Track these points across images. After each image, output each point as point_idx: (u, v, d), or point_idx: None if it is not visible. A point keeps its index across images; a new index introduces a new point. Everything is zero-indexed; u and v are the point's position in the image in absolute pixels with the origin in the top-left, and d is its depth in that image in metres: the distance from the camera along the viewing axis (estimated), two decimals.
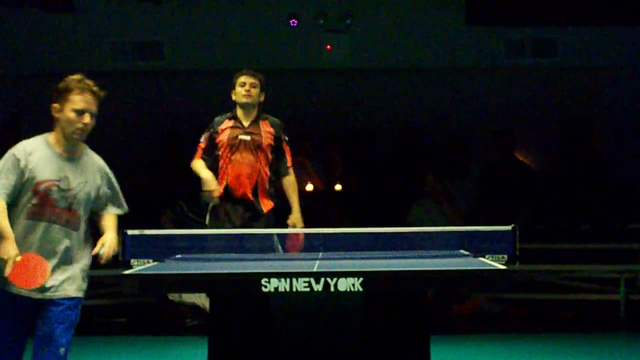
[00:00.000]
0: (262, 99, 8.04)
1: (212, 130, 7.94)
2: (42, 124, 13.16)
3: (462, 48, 12.66)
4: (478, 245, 7.09)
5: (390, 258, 6.70)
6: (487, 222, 8.45)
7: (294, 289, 5.40)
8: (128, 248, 6.66)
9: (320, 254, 6.95)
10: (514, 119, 12.89)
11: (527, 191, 12.22)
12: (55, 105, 5.90)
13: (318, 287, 5.41)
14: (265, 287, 5.43)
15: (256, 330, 5.83)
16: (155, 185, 12.22)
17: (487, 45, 12.67)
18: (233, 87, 8.01)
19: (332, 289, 5.41)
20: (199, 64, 12.82)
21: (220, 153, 7.89)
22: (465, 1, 12.31)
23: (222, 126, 7.93)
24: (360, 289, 5.39)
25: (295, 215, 7.87)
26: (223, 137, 7.88)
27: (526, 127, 13.00)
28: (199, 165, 7.85)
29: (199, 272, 5.79)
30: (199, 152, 7.93)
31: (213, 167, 7.90)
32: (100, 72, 12.85)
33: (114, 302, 11.52)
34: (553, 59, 12.69)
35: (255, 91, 7.97)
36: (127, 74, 12.94)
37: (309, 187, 12.17)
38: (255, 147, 7.86)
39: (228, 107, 12.86)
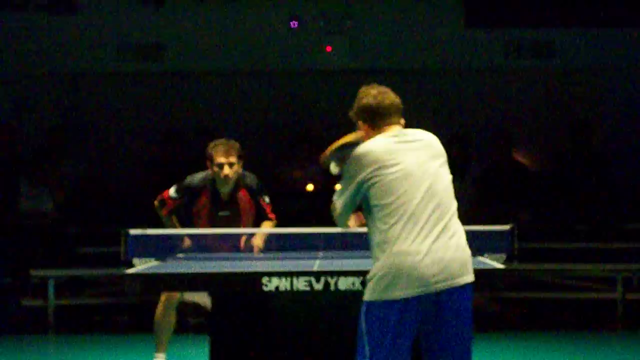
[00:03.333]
0: (240, 169, 7.55)
1: (185, 197, 7.52)
2: (45, 124, 13.28)
3: (461, 50, 12.65)
4: (477, 244, 7.13)
5: None
6: (486, 221, 8.50)
7: (295, 288, 5.44)
8: (130, 247, 6.73)
9: (321, 254, 6.96)
10: (512, 120, 12.89)
11: (525, 191, 12.21)
12: None
13: (318, 287, 5.47)
14: (266, 286, 5.48)
15: (257, 328, 5.86)
16: (156, 185, 12.22)
17: (486, 47, 12.65)
18: (209, 159, 7.48)
19: (332, 288, 5.46)
20: (200, 66, 12.77)
21: (196, 222, 7.55)
22: (464, 4, 12.34)
23: (200, 199, 7.53)
24: (361, 288, 5.38)
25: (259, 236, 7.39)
26: (201, 212, 7.53)
27: (524, 129, 12.99)
28: (172, 222, 7.55)
29: (200, 271, 5.87)
30: (168, 206, 7.53)
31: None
32: (102, 74, 13.06)
33: (116, 300, 11.52)
34: (551, 61, 12.66)
35: (233, 169, 7.45)
36: (128, 75, 12.92)
37: (309, 187, 12.18)
38: (236, 220, 7.53)
39: (228, 108, 12.95)
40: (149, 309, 11.35)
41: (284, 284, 5.50)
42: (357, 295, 5.42)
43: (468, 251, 4.93)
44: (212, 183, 7.50)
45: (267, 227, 7.48)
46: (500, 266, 5.86)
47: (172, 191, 7.53)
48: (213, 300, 6.00)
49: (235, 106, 13.03)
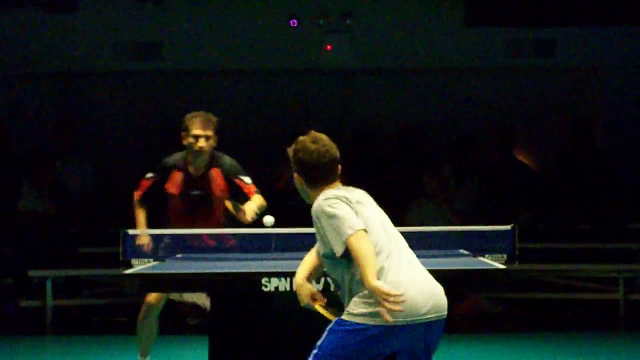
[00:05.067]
0: (215, 143, 7.47)
1: (159, 175, 7.48)
2: (42, 124, 13.26)
3: (462, 49, 12.66)
4: (478, 245, 7.11)
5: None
6: (487, 222, 8.48)
7: (295, 289, 5.34)
8: (129, 248, 6.70)
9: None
10: (513, 119, 12.91)
11: (527, 191, 12.23)
12: None
13: (318, 287, 5.42)
14: (266, 286, 5.51)
15: (257, 329, 5.84)
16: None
17: (487, 46, 12.67)
18: (185, 130, 7.40)
19: (332, 288, 5.41)
20: (199, 64, 12.78)
21: (171, 204, 7.50)
22: (465, 3, 12.32)
23: (172, 179, 7.45)
24: None
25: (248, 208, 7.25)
26: (173, 190, 7.45)
27: (525, 127, 13.01)
28: (140, 217, 7.45)
29: (200, 271, 5.87)
30: (143, 187, 7.49)
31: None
32: (100, 73, 13.06)
33: (114, 301, 11.51)
34: (552, 59, 12.68)
35: (209, 143, 7.36)
36: (127, 74, 12.92)
37: None
38: (208, 200, 7.44)
39: (228, 107, 12.95)
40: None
41: (283, 284, 5.51)
42: None
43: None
44: (185, 160, 7.43)
45: (253, 204, 7.27)
46: (502, 267, 5.87)
47: (148, 174, 7.50)
48: (212, 301, 5.99)
49: (234, 105, 13.02)
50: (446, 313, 4.94)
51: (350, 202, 4.98)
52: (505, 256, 6.51)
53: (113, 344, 10.38)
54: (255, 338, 5.83)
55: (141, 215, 7.43)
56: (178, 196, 7.42)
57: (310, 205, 5.12)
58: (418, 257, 6.73)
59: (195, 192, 7.42)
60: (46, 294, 11.05)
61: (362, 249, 4.80)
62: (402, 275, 4.88)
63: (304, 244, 7.32)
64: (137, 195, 7.49)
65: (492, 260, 6.37)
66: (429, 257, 6.59)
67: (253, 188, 7.43)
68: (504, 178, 12.17)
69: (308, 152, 5.15)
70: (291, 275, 5.43)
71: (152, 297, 7.38)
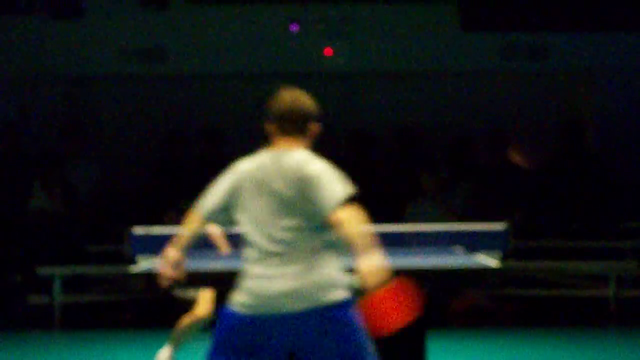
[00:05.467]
0: None
1: None
2: (49, 127, 13.32)
3: (457, 53, 12.71)
4: (472, 242, 7.21)
5: (387, 256, 6.83)
6: (481, 220, 8.61)
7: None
8: (134, 246, 6.82)
9: None
10: (507, 121, 12.93)
11: (520, 191, 12.27)
12: None
13: None
14: None
15: None
16: (159, 186, 12.29)
17: (482, 50, 12.71)
18: None
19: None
20: (203, 68, 12.81)
21: None
22: (461, 8, 12.35)
23: None
24: (359, 287, 5.12)
25: None
26: None
27: (519, 130, 13.03)
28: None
29: (204, 268, 5.93)
30: None
31: None
32: (105, 76, 13.09)
33: (121, 298, 11.57)
34: (546, 64, 12.74)
35: None
36: (131, 78, 12.95)
37: None
38: None
39: (230, 111, 12.95)
40: (153, 306, 11.51)
41: None
42: (357, 293, 5.41)
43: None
44: None
45: None
46: (495, 264, 5.89)
47: None
48: (216, 297, 6.21)
49: (236, 109, 13.02)
50: (314, 305, 4.66)
51: None
52: (498, 254, 6.58)
53: (120, 339, 10.47)
54: None
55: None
56: None
57: None
58: (415, 254, 6.80)
59: None
60: (54, 290, 11.07)
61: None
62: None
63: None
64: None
65: (485, 257, 6.37)
66: (425, 254, 6.83)
67: None
68: (498, 178, 12.20)
69: (281, 100, 5.06)
70: None
71: (202, 311, 7.63)
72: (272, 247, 4.74)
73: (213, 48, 12.72)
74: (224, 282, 5.61)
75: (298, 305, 4.67)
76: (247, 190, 4.83)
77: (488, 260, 6.16)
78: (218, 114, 13.01)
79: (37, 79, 12.97)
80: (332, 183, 4.76)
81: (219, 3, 12.64)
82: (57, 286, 11.12)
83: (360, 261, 4.56)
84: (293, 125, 4.92)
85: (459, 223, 9.05)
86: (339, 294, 4.72)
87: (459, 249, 7.19)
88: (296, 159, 4.83)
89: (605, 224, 12.09)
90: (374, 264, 4.59)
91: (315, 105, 5.02)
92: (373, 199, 11.91)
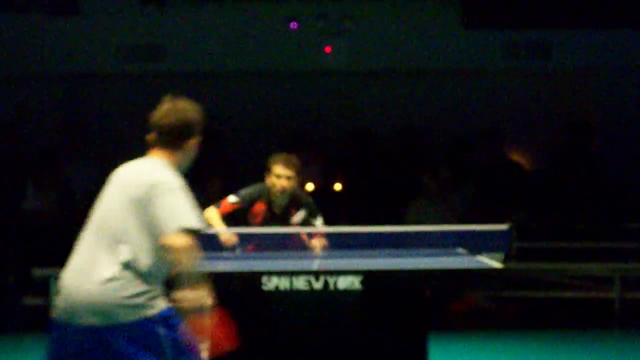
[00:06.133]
0: (296, 183, 7.72)
1: (243, 204, 7.65)
2: (47, 126, 13.23)
3: (459, 51, 12.67)
4: (474, 243, 7.15)
5: (388, 257, 6.77)
6: (484, 221, 8.54)
7: (294, 288, 5.51)
8: None
9: (320, 253, 7.01)
10: (510, 120, 12.91)
11: (522, 191, 12.25)
12: None
13: (318, 286, 5.52)
14: (266, 285, 5.56)
15: (257, 327, 5.83)
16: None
17: (484, 48, 12.68)
18: (268, 170, 7.64)
19: (331, 287, 5.51)
20: (201, 67, 12.80)
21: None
22: (463, 5, 12.31)
23: (255, 208, 7.66)
24: (360, 287, 5.51)
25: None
26: (254, 222, 7.66)
27: (522, 129, 13.02)
28: (216, 219, 7.61)
29: (199, 270, 5.88)
30: (224, 209, 7.65)
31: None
32: (103, 75, 13.05)
33: None
34: (548, 61, 12.70)
35: (290, 183, 7.56)
36: (129, 76, 12.94)
37: (310, 186, 12.21)
38: None
39: (229, 109, 12.94)
40: None
41: (283, 283, 5.54)
42: (356, 294, 5.58)
43: None
44: (268, 195, 7.62)
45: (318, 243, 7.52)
46: (498, 265, 5.88)
47: (231, 197, 7.66)
48: (212, 299, 5.97)
49: (235, 107, 13.03)
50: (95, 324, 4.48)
51: None
52: (501, 255, 6.52)
53: None
54: (255, 336, 5.81)
55: (219, 224, 7.58)
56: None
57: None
58: (416, 255, 6.77)
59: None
60: (50, 292, 10.88)
61: None
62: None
63: (305, 243, 7.41)
64: (219, 212, 7.63)
65: (488, 259, 6.37)
66: (427, 255, 6.83)
67: (320, 235, 7.61)
68: (498, 178, 12.17)
69: (160, 111, 4.92)
70: (291, 273, 5.50)
71: None
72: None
73: (212, 46, 12.71)
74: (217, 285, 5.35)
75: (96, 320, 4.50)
76: (102, 196, 4.77)
77: (490, 262, 6.15)
78: (217, 112, 12.98)
79: (34, 78, 12.93)
80: (177, 205, 4.56)
81: (218, 0, 12.61)
82: (53, 288, 10.95)
83: (182, 292, 4.38)
84: (168, 138, 4.78)
85: (461, 224, 9.06)
86: (137, 314, 4.51)
87: (460, 250, 7.15)
88: (146, 169, 4.72)
89: (610, 225, 12.04)
90: (193, 297, 4.38)
91: (199, 119, 4.88)
92: (373, 198, 11.93)
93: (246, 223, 7.62)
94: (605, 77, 12.88)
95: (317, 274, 5.55)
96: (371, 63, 12.77)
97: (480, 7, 12.31)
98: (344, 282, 5.54)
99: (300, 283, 5.54)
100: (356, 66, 12.73)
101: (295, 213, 7.63)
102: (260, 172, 7.99)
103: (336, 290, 5.53)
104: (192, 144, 4.81)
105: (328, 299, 5.75)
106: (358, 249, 7.06)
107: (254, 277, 5.61)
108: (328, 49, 12.53)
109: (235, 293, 5.77)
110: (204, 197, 11.52)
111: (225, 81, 13.18)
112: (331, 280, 5.53)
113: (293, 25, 12.47)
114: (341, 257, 6.73)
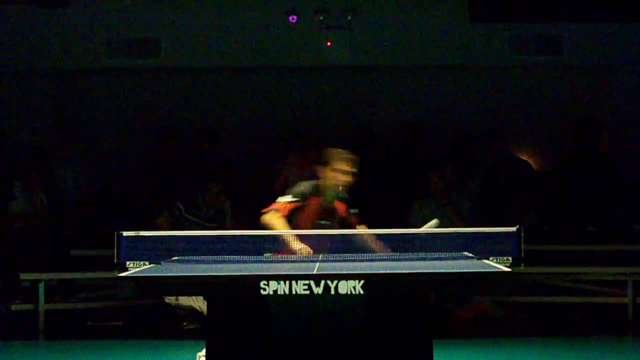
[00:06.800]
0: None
1: (300, 202, 7.89)
2: (35, 123, 13.22)
3: (465, 45, 12.67)
4: (482, 247, 7.03)
5: (391, 260, 6.75)
6: (491, 223, 8.35)
7: (294, 292, 5.41)
8: (124, 250, 6.62)
9: (321, 256, 6.99)
10: (518, 117, 12.94)
11: (531, 191, 12.22)
12: None
13: (318, 290, 5.41)
14: (264, 289, 5.43)
15: (255, 333, 5.79)
16: (151, 185, 12.21)
17: (491, 42, 12.69)
18: (326, 163, 7.90)
19: (332, 291, 5.40)
20: (196, 61, 12.80)
21: (299, 228, 7.98)
22: None
23: (308, 203, 7.92)
24: (362, 292, 5.40)
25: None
26: (305, 217, 7.90)
27: (530, 126, 13.04)
28: (283, 225, 7.78)
29: (196, 274, 5.80)
30: (284, 211, 7.84)
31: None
32: (94, 69, 13.02)
33: (109, 305, 11.55)
34: (558, 56, 12.70)
35: (352, 179, 7.98)
36: (122, 71, 12.91)
37: None
38: (333, 229, 7.97)
39: (226, 104, 12.92)
40: (142, 313, 11.41)
41: (282, 287, 5.45)
42: (358, 299, 5.50)
43: None
44: (320, 189, 7.94)
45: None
46: (507, 269, 5.74)
47: (287, 197, 7.90)
48: (209, 304, 5.93)
49: (232, 102, 13.06)
50: None
51: None
52: (510, 258, 6.44)
53: (107, 348, 10.34)
54: (254, 342, 5.78)
55: (284, 227, 7.73)
56: (307, 224, 7.91)
57: None
58: (421, 259, 6.73)
59: (323, 222, 7.96)
60: (38, 297, 11.04)
61: None
62: None
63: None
64: (280, 215, 7.80)
65: (496, 262, 6.30)
66: (432, 259, 6.77)
67: (356, 219, 8.10)
68: (505, 177, 12.21)
69: None
70: (291, 278, 5.42)
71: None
72: None
73: (208, 40, 12.72)
74: (215, 290, 5.58)
75: None
76: None
77: (498, 266, 6.09)
78: (213, 109, 13.02)
79: (22, 73, 12.90)
80: None
81: None
82: (41, 293, 11.10)
83: None
84: None
85: (467, 226, 8.97)
86: None
87: (467, 253, 7.05)
88: None
89: (622, 227, 12.00)
90: None
91: None
92: (375, 199, 11.85)
93: (292, 218, 7.90)
94: (619, 74, 12.89)
95: (317, 278, 5.43)
96: (373, 58, 12.79)
97: (488, 0, 12.21)
98: (346, 286, 5.43)
99: (300, 287, 5.44)
100: (357, 61, 12.72)
101: (341, 207, 8.00)
102: (259, 170, 7.89)
103: (337, 294, 5.42)
104: None
105: (329, 304, 5.70)
106: (359, 252, 7.06)
107: (252, 281, 5.47)
108: (329, 43, 12.48)
109: (233, 297, 5.74)
110: (204, 197, 11.44)
111: (222, 77, 13.17)
112: (332, 284, 5.42)
113: (292, 18, 12.43)
114: (342, 260, 6.70)
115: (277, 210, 7.78)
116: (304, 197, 7.85)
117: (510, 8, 12.09)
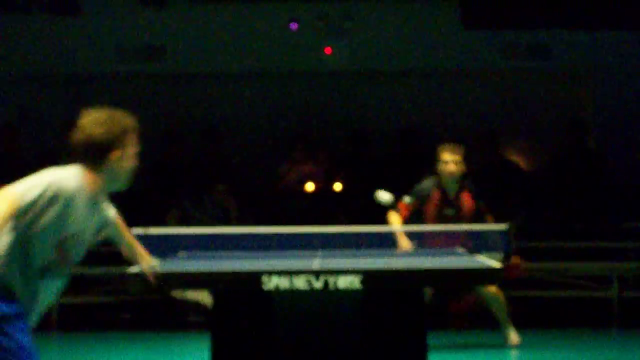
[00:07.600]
0: (464, 168, 8.59)
1: (418, 201, 8.46)
2: (47, 126, 13.17)
3: (458, 51, 12.67)
4: (474, 243, 7.18)
5: (388, 256, 6.77)
6: (484, 221, 8.57)
7: (294, 287, 5.46)
8: None
9: (320, 252, 6.97)
10: (509, 120, 12.93)
11: (520, 190, 12.24)
12: None
13: (318, 285, 5.48)
14: (266, 285, 5.50)
15: (257, 326, 5.84)
16: (159, 185, 12.24)
17: (483, 48, 12.69)
18: (438, 159, 8.52)
19: (331, 286, 5.48)
20: (201, 67, 12.78)
21: (424, 220, 8.46)
22: (461, 6, 12.29)
23: (431, 197, 8.48)
24: (360, 287, 5.46)
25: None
26: (430, 209, 8.47)
27: (521, 129, 13.05)
28: (397, 224, 8.30)
29: (201, 270, 5.88)
30: (403, 213, 8.42)
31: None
32: (103, 75, 13.01)
33: (119, 299, 11.54)
34: (547, 62, 12.71)
35: (457, 167, 8.47)
36: (130, 76, 12.90)
37: (309, 187, 12.20)
38: (459, 219, 8.43)
39: (229, 110, 12.93)
40: (151, 307, 11.38)
41: (283, 282, 5.51)
42: (356, 294, 5.57)
43: None
44: (439, 184, 8.47)
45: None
46: (497, 265, 5.83)
47: (406, 199, 8.43)
48: (213, 298, 5.98)
49: (236, 108, 13.03)
50: None
51: None
52: (500, 254, 6.58)
53: (118, 340, 10.42)
54: (256, 335, 5.83)
55: (398, 228, 8.18)
56: (432, 215, 8.45)
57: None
58: (416, 255, 6.78)
59: (448, 212, 8.48)
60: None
61: None
62: None
63: (304, 242, 7.43)
64: (400, 217, 8.37)
65: (487, 258, 6.33)
66: (427, 255, 6.85)
67: (487, 208, 8.57)
68: (495, 178, 12.12)
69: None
70: (291, 273, 5.48)
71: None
72: None
73: (212, 47, 12.68)
74: (219, 284, 5.64)
75: None
76: None
77: (489, 261, 6.11)
78: (217, 113, 12.98)
79: (34, 78, 12.91)
80: None
81: (218, 1, 12.58)
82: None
83: None
84: (84, 156, 4.72)
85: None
86: None
87: (459, 249, 7.15)
88: None
89: (608, 224, 12.03)
90: None
91: (112, 132, 4.81)
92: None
93: (421, 212, 8.39)
94: (604, 77, 12.90)
95: (317, 273, 5.51)
96: (371, 64, 12.78)
97: (480, 8, 12.33)
98: (345, 282, 5.50)
99: (300, 282, 5.49)
100: (357, 67, 12.72)
101: (468, 197, 8.47)
102: (262, 171, 7.99)
103: (336, 289, 5.49)
104: (114, 157, 4.77)
105: (328, 298, 5.75)
106: (358, 248, 7.05)
107: (254, 277, 5.54)
108: (328, 50, 12.51)
109: (236, 292, 5.79)
110: (210, 197, 11.56)
111: (225, 82, 13.16)
112: (331, 279, 5.49)
113: (293, 25, 12.46)
114: (342, 256, 6.68)
115: (398, 209, 8.36)
116: (420, 197, 8.41)
117: (501, 16, 12.18)
